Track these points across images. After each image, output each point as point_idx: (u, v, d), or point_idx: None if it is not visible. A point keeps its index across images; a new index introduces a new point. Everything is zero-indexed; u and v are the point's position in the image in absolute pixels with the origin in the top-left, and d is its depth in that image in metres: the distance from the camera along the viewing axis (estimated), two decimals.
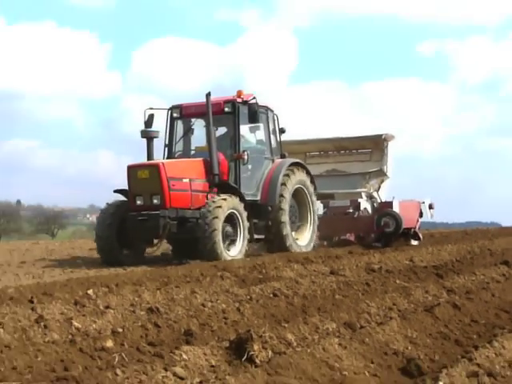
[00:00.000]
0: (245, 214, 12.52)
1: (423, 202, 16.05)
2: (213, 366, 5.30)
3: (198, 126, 14.17)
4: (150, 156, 12.88)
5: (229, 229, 12.16)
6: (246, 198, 13.32)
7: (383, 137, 15.82)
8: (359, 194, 15.21)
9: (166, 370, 4.92)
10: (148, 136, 12.86)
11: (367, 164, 15.93)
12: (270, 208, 13.39)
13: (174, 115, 14.07)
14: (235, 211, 12.19)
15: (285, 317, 7.41)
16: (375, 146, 16.08)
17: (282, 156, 14.68)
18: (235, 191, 12.71)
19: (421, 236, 16.02)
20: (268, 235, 13.73)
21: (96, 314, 6.59)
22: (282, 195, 13.47)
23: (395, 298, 8.55)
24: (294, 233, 14.34)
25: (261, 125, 14.26)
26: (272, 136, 14.47)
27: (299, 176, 14.25)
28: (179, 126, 14.37)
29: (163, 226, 11.72)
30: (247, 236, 12.60)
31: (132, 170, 12.47)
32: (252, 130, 14.41)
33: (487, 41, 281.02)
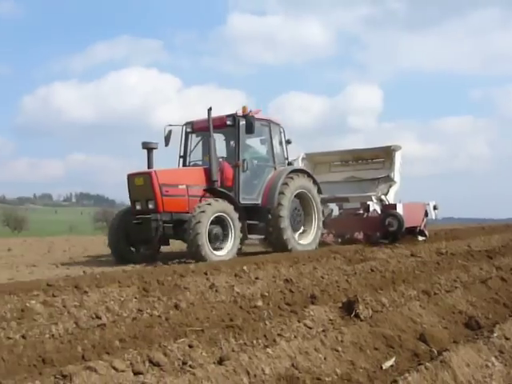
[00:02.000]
0: (235, 215, 11.43)
1: (428, 204, 15.70)
2: (331, 320, 5.96)
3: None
4: (149, 165, 12.12)
5: (218, 230, 11.16)
6: (247, 202, 12.47)
7: (392, 147, 15.52)
8: (369, 198, 14.57)
9: (298, 321, 5.66)
10: (148, 147, 12.16)
11: (380, 171, 15.76)
12: (269, 210, 12.42)
13: (187, 130, 13.41)
14: (224, 214, 11.22)
15: (380, 286, 7.91)
16: (387, 155, 15.78)
17: (289, 164, 13.87)
18: (226, 196, 11.76)
19: (427, 233, 15.39)
20: (270, 238, 12.73)
21: (249, 283, 7.37)
22: (282, 192, 12.53)
23: (458, 273, 9.13)
24: (298, 233, 13.21)
25: (264, 136, 13.57)
26: (276, 146, 13.54)
27: (301, 182, 13.15)
28: (192, 140, 13.58)
29: (155, 229, 11.03)
30: (239, 236, 11.49)
31: (130, 178, 11.86)
32: (262, 142, 13.69)
33: None
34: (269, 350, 4.74)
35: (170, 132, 13.35)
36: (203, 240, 10.63)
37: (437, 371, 4.34)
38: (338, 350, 5.05)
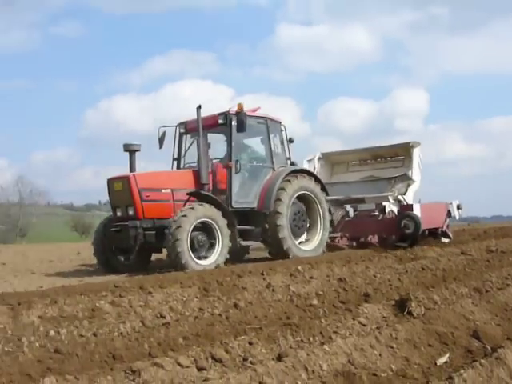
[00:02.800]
0: (223, 222, 9.87)
1: (451, 203, 13.83)
2: (384, 317, 5.88)
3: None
4: (131, 168, 10.55)
5: (202, 237, 9.62)
6: (241, 206, 10.94)
7: (410, 144, 13.68)
8: (386, 198, 12.94)
9: (353, 319, 5.59)
10: (130, 149, 10.57)
11: (400, 170, 13.97)
12: (267, 213, 10.87)
13: (181, 131, 11.89)
14: (210, 220, 9.68)
15: (431, 284, 7.75)
16: (406, 153, 13.95)
17: (292, 164, 12.18)
18: (213, 200, 10.21)
19: (450, 234, 13.59)
20: (266, 239, 11.04)
21: (304, 282, 7.30)
22: (279, 199, 10.86)
23: (509, 270, 8.86)
24: (302, 237, 11.70)
25: (261, 135, 11.98)
26: (277, 146, 12.02)
27: (303, 182, 11.54)
28: (186, 141, 12.04)
29: (134, 237, 9.71)
30: (228, 244, 9.87)
31: (110, 183, 10.56)
32: (263, 142, 12.00)
33: None
34: (325, 346, 4.70)
35: (163, 134, 11.90)
36: (183, 247, 9.21)
37: (492, 368, 4.22)
38: (392, 347, 4.97)
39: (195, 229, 9.53)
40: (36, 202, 55.03)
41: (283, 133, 12.20)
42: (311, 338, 5.09)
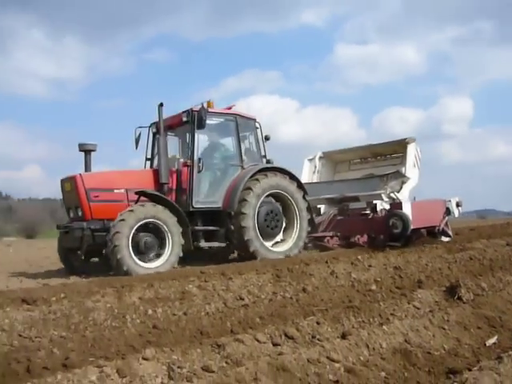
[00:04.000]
0: (172, 221, 8.44)
1: (449, 201, 11.79)
2: (436, 302, 5.80)
3: (175, 138, 10.59)
4: (87, 169, 9.15)
5: (149, 239, 8.26)
6: (202, 206, 9.40)
7: (406, 140, 12.04)
8: (379, 196, 11.19)
9: (408, 303, 5.56)
10: (85, 149, 9.15)
11: (398, 167, 12.17)
12: (232, 213, 9.29)
13: (153, 131, 10.29)
14: (156, 220, 8.29)
15: (479, 272, 7.55)
16: (404, 149, 12.24)
17: (268, 162, 10.41)
18: (162, 200, 8.78)
19: (450, 233, 11.68)
20: (232, 240, 9.47)
21: (364, 270, 7.25)
22: (244, 199, 9.22)
23: None
24: (276, 239, 9.92)
25: (229, 133, 10.35)
26: (250, 143, 10.46)
27: (274, 181, 9.76)
28: (158, 140, 9.95)
29: (80, 239, 8.38)
30: (179, 244, 8.45)
31: (62, 184, 9.26)
32: (242, 139, 10.26)
33: None
34: (384, 327, 4.72)
35: (139, 134, 10.37)
36: (123, 253, 7.89)
37: None
38: (444, 328, 4.93)
39: (142, 230, 8.25)
40: None
41: (258, 130, 10.54)
42: (371, 319, 5.09)
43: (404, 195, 11.48)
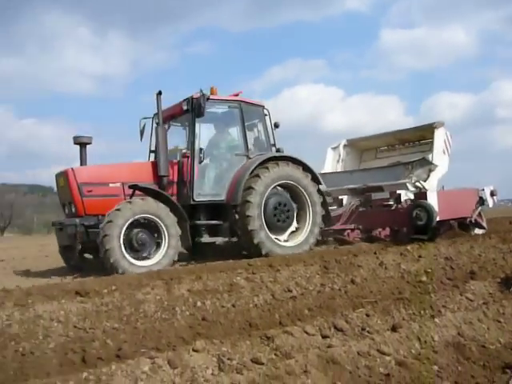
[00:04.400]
0: (169, 217, 7.88)
1: (483, 190, 10.72)
2: (490, 294, 5.68)
3: (177, 128, 9.83)
4: (82, 162, 8.71)
5: (143, 235, 7.75)
6: (204, 199, 8.75)
7: (434, 125, 10.99)
8: (404, 185, 10.23)
9: (460, 295, 5.46)
10: (80, 142, 8.69)
11: (426, 154, 11.13)
12: (235, 208, 8.64)
13: (157, 121, 9.47)
14: (152, 216, 7.77)
15: None
16: (433, 135, 11.16)
17: (277, 151, 9.56)
18: (157, 193, 8.25)
19: (484, 224, 10.69)
20: (240, 242, 8.84)
21: (414, 261, 7.11)
22: (251, 187, 8.54)
23: None
24: (287, 232, 9.06)
25: (233, 121, 9.59)
26: (260, 131, 9.69)
27: (285, 171, 9.01)
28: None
29: (73, 235, 7.94)
30: (176, 242, 7.91)
31: (56, 178, 8.82)
32: (250, 128, 9.63)
33: None
34: (436, 319, 4.65)
35: (144, 126, 9.82)
36: (113, 243, 7.40)
37: None
38: (499, 321, 4.82)
39: (137, 225, 7.76)
40: None
41: (267, 118, 9.72)
42: (422, 312, 5.02)
43: (432, 184, 10.53)
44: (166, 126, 9.43)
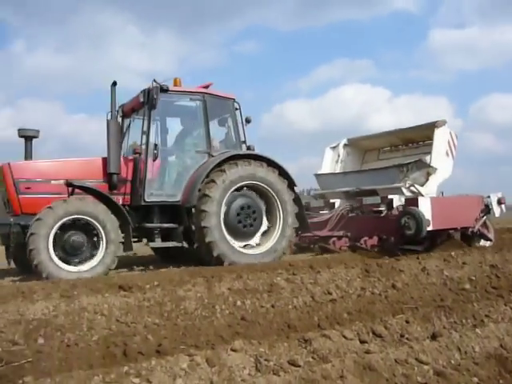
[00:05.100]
0: (108, 219, 7.24)
1: (488, 197, 9.77)
2: None
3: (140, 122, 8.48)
4: (27, 157, 8.01)
5: (77, 239, 7.12)
6: (157, 199, 8.07)
7: (435, 124, 10.00)
8: (399, 190, 9.43)
9: (505, 305, 5.25)
10: (25, 135, 7.95)
11: (426, 155, 10.14)
12: (189, 211, 7.93)
13: (121, 114, 9.01)
14: (85, 216, 7.10)
15: None
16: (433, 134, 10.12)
17: (248, 149, 8.79)
18: (96, 192, 7.62)
19: (491, 236, 9.74)
20: (199, 252, 8.02)
21: (457, 267, 6.96)
22: (206, 194, 7.76)
23: None
24: (254, 238, 8.34)
25: (193, 115, 8.74)
26: (230, 127, 8.93)
27: (248, 171, 8.13)
28: (125, 126, 9.08)
29: (7, 236, 7.28)
30: (115, 246, 7.24)
31: None
32: (218, 123, 8.92)
33: None
34: (477, 329, 4.56)
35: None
36: (41, 257, 6.80)
37: None
38: None
39: (73, 227, 7.20)
40: None
41: (237, 112, 8.89)
42: (464, 321, 4.89)
43: (430, 189, 9.72)
44: (130, 120, 9.02)
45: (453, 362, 4.04)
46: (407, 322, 4.72)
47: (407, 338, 4.41)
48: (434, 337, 4.39)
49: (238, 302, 5.15)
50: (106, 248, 7.23)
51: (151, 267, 8.07)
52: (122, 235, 7.40)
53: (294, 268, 6.26)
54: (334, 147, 11.84)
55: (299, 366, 3.81)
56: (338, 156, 11.73)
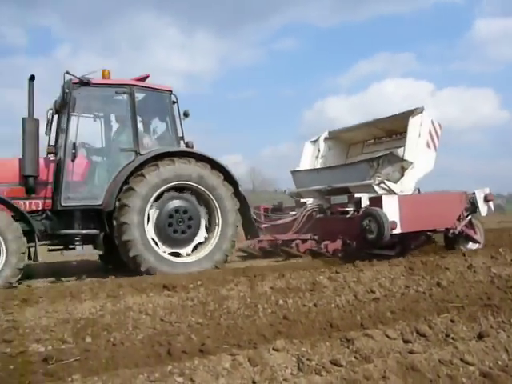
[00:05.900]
0: (10, 229, 6.57)
1: (473, 194, 8.62)
2: None
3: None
4: None
5: None
6: (75, 204, 7.40)
7: (412, 112, 8.85)
8: (370, 187, 8.40)
9: None
10: None
11: (398, 148, 9.01)
12: (109, 216, 7.34)
13: (53, 111, 8.23)
14: None
15: None
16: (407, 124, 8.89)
17: (186, 146, 8.11)
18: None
19: (478, 237, 8.83)
20: (121, 255, 7.40)
21: (505, 265, 6.76)
22: (131, 188, 7.22)
23: None
24: (190, 246, 7.69)
25: (120, 110, 8.08)
26: (153, 122, 8.37)
27: (186, 170, 7.45)
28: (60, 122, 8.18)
29: None
30: (17, 256, 6.56)
31: None
32: (151, 118, 8.38)
33: None
34: None
35: (53, 116, 8.30)
36: None
37: None
38: None
39: None
40: (265, 190, 59.25)
41: (174, 106, 8.17)
42: None
43: (406, 186, 8.67)
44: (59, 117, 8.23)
45: (500, 362, 3.94)
46: (452, 321, 4.63)
47: (452, 338, 4.33)
48: (480, 337, 4.29)
49: (281, 301, 5.17)
50: (6, 258, 6.57)
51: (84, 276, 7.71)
52: (29, 245, 6.90)
53: (337, 266, 6.24)
54: (314, 141, 10.92)
55: (341, 366, 3.79)
56: (319, 151, 10.84)
